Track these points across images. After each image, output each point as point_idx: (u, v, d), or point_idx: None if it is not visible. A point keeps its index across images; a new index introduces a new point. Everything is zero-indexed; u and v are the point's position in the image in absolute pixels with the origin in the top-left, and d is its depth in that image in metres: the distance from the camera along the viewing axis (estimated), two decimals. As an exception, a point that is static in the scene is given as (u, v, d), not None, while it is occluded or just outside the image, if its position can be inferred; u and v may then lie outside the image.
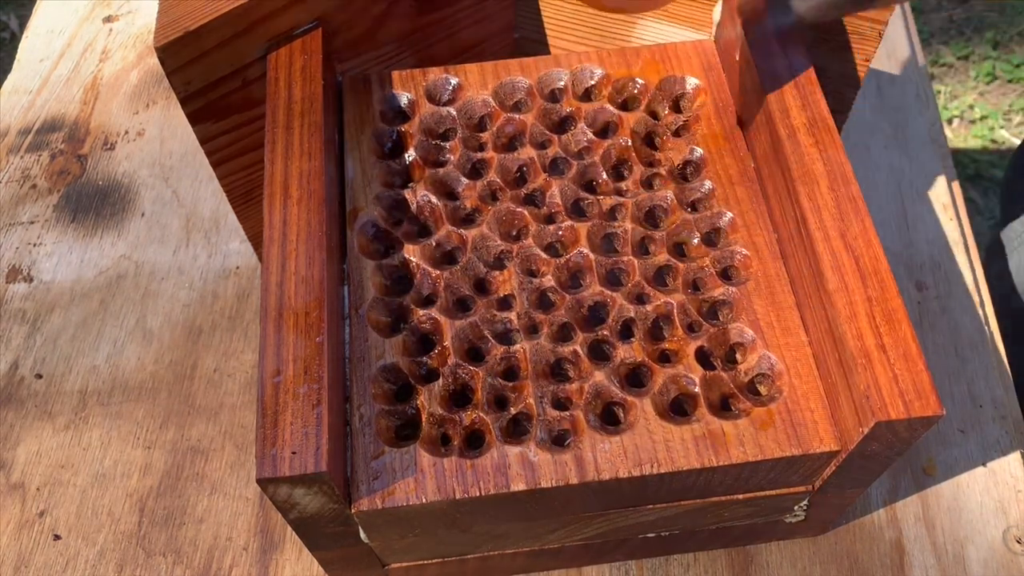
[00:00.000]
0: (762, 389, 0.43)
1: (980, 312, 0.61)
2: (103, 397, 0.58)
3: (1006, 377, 0.59)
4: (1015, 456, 0.55)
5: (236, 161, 0.51)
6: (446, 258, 0.47)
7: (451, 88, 0.51)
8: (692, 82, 0.51)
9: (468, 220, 0.48)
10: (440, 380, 0.43)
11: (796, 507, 0.47)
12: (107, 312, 0.62)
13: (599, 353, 0.44)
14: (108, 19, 0.79)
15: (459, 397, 0.43)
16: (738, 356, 0.44)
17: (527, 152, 0.50)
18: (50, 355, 0.60)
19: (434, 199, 0.48)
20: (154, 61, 0.76)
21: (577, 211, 0.49)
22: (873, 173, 0.68)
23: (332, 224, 0.44)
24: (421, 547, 0.45)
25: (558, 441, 0.41)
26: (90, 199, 0.68)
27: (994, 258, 0.75)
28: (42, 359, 0.60)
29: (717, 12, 0.52)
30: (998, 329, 0.61)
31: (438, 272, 0.46)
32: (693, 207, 0.48)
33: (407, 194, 0.48)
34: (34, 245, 0.66)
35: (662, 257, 0.46)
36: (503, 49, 0.59)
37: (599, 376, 0.43)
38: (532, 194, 0.49)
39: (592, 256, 0.46)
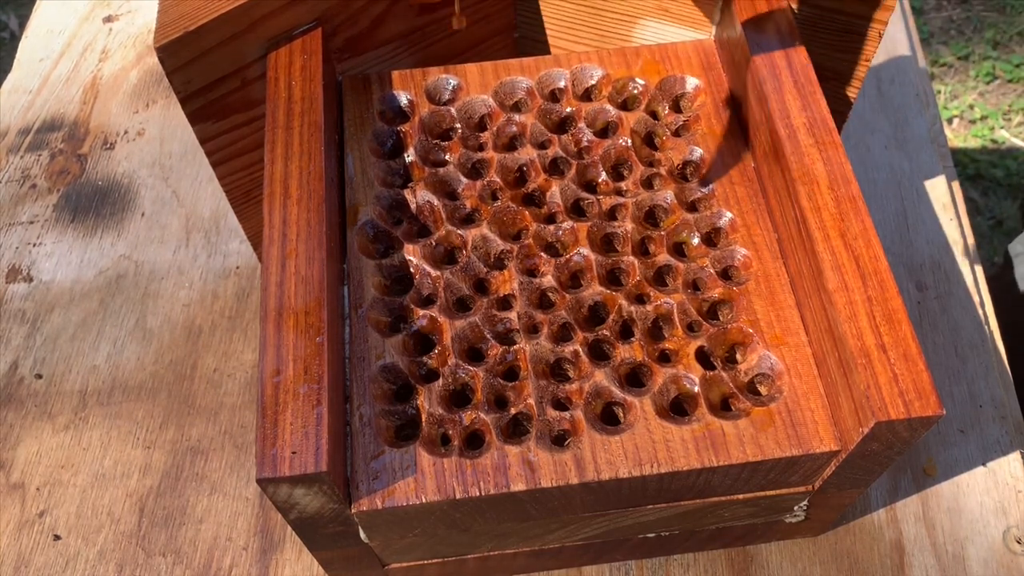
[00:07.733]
0: (762, 389, 0.43)
1: (980, 312, 0.61)
2: (103, 397, 0.58)
3: (1006, 377, 0.59)
4: (1015, 456, 0.55)
5: (236, 161, 0.51)
6: (446, 258, 0.47)
7: (451, 88, 0.51)
8: (692, 82, 0.51)
9: (468, 220, 0.48)
10: (440, 380, 0.43)
11: (796, 507, 0.47)
12: (107, 312, 0.62)
13: (599, 353, 0.44)
14: (108, 19, 0.79)
15: (459, 397, 0.43)
16: (738, 356, 0.44)
17: (527, 152, 0.50)
18: (50, 355, 0.60)
19: (434, 199, 0.48)
20: (154, 61, 0.75)
21: (577, 211, 0.49)
22: (873, 173, 0.68)
23: (332, 224, 0.44)
24: (421, 547, 0.45)
25: (558, 441, 0.41)
26: (90, 199, 0.68)
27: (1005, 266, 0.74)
28: (42, 359, 0.60)
29: (717, 12, 0.52)
30: (998, 329, 0.61)
31: (438, 272, 0.46)
32: (693, 207, 0.48)
33: (407, 194, 0.48)
34: (34, 245, 0.66)
35: (662, 257, 0.46)
36: (503, 49, 0.59)
37: (599, 376, 0.43)
38: (532, 194, 0.49)
39: (592, 256, 0.46)
